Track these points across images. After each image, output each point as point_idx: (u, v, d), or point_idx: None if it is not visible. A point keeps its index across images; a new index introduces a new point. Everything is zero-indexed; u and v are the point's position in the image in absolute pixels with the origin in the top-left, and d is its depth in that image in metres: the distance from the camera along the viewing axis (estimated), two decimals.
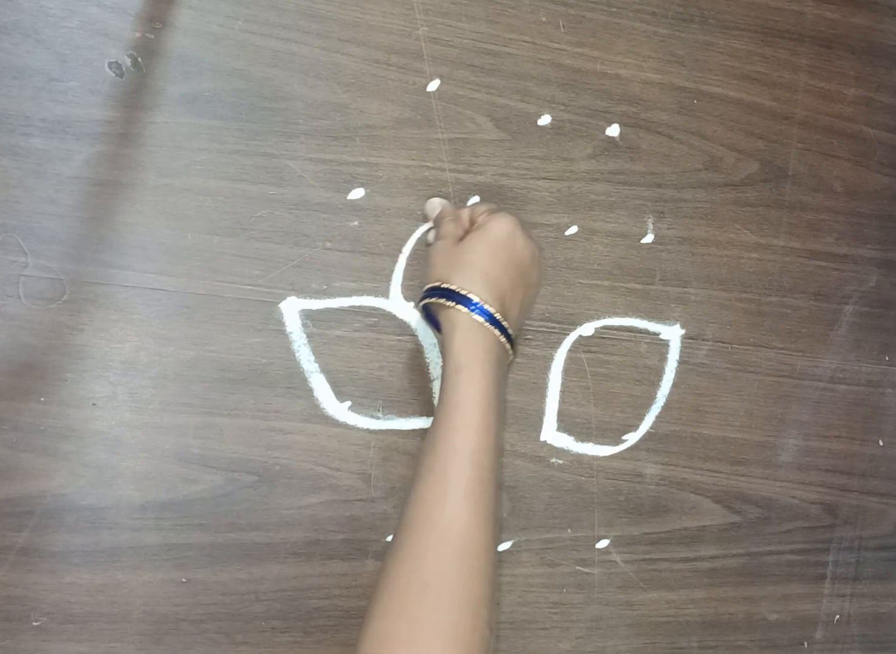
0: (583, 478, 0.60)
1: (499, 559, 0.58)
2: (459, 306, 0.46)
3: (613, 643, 0.61)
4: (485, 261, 0.48)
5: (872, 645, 0.67)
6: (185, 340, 0.53)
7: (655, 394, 0.61)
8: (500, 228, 0.49)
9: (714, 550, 0.63)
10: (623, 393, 0.61)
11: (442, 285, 0.48)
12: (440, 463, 0.44)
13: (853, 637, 0.66)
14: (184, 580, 0.52)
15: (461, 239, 0.50)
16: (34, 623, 0.50)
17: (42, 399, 0.50)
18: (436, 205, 0.56)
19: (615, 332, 0.61)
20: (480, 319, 0.46)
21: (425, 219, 0.56)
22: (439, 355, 0.57)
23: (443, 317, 0.48)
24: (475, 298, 0.46)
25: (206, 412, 0.53)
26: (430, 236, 0.56)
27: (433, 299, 0.48)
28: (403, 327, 0.56)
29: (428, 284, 0.49)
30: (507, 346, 0.48)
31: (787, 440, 0.65)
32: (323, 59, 0.55)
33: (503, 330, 0.47)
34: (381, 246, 0.56)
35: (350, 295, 0.55)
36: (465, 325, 0.46)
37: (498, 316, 0.47)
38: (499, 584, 0.58)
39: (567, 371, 0.60)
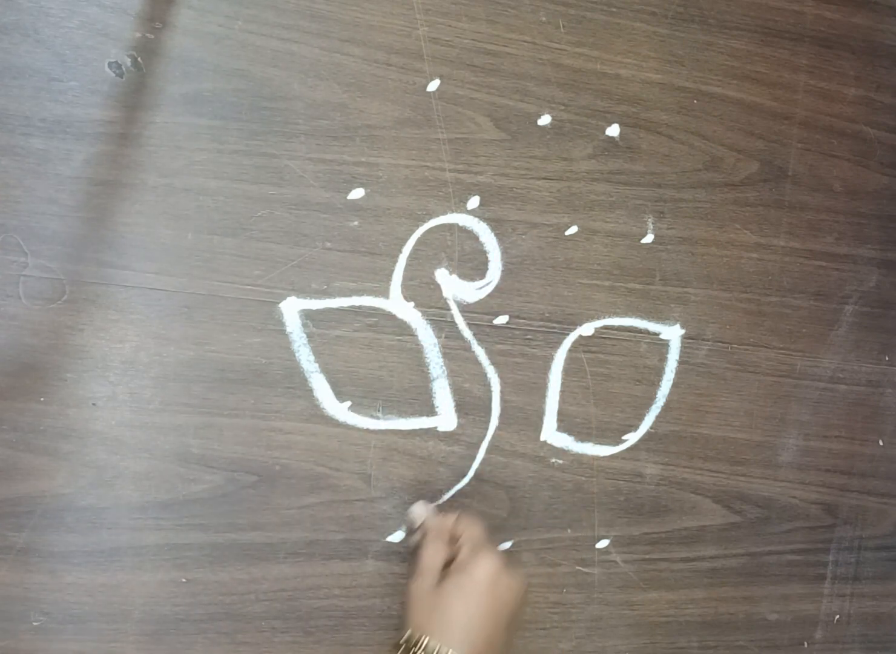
0: (583, 478, 0.60)
1: None
2: None
3: (613, 643, 0.61)
4: (463, 614, 0.46)
5: (872, 645, 0.67)
6: (185, 340, 0.53)
7: (655, 394, 0.61)
8: (482, 573, 0.47)
9: (714, 550, 0.63)
10: (623, 393, 0.61)
11: (419, 640, 0.46)
12: None
13: (853, 637, 0.66)
14: (184, 580, 0.52)
15: (446, 564, 0.49)
16: (34, 623, 0.50)
17: (42, 399, 0.50)
18: (419, 514, 0.54)
19: (615, 332, 0.61)
20: None
21: (408, 527, 0.55)
22: (439, 354, 0.57)
23: None
24: None
25: (206, 412, 0.53)
26: (414, 539, 0.54)
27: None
28: (403, 327, 0.56)
29: (406, 628, 0.48)
30: None
31: (787, 440, 0.65)
32: (323, 59, 0.55)
33: None
34: (381, 246, 0.56)
35: (350, 295, 0.55)
36: None
37: None
38: None
39: (567, 371, 0.60)
